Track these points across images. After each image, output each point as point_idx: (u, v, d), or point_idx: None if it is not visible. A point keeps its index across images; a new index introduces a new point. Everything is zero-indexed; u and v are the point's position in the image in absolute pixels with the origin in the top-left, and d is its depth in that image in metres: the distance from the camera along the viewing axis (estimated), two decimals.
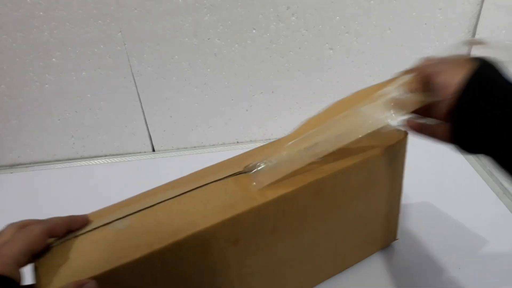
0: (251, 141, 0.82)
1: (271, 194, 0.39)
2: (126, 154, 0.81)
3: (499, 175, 0.68)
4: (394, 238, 0.55)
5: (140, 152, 0.81)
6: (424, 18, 0.70)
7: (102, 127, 0.77)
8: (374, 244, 0.53)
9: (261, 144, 0.46)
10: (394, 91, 0.40)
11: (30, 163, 0.81)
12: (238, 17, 0.67)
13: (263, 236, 0.40)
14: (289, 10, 0.67)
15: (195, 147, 0.82)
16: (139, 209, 0.38)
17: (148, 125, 0.78)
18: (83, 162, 0.79)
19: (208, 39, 0.69)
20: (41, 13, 0.64)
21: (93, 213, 0.38)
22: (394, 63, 0.74)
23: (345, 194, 0.44)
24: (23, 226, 0.34)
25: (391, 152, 0.45)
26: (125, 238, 0.35)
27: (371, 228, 0.51)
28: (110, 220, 0.37)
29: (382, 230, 0.52)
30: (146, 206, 0.38)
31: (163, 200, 0.38)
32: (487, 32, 0.68)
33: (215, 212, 0.37)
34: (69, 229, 0.35)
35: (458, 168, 0.71)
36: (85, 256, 0.34)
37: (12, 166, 0.80)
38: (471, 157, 0.72)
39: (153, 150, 0.82)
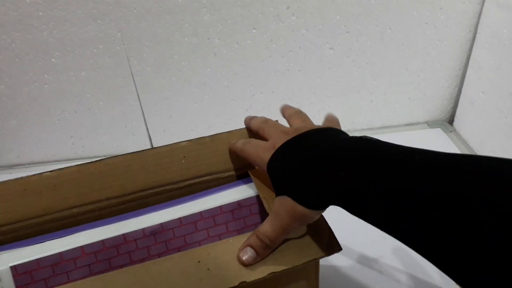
0: None
1: None
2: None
3: None
4: None
5: None
6: (425, 17, 0.69)
7: (102, 127, 0.77)
8: None
9: None
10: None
11: (29, 163, 0.80)
12: (238, 17, 0.67)
13: None
14: (289, 10, 0.67)
15: None
16: None
17: (147, 125, 0.78)
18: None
19: (208, 38, 0.68)
20: (40, 13, 0.64)
21: None
22: (395, 63, 0.74)
23: None
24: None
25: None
26: None
27: None
28: None
29: None
30: None
31: None
32: (488, 31, 0.68)
33: None
34: None
35: None
36: None
37: (12, 166, 0.80)
38: None
39: None
